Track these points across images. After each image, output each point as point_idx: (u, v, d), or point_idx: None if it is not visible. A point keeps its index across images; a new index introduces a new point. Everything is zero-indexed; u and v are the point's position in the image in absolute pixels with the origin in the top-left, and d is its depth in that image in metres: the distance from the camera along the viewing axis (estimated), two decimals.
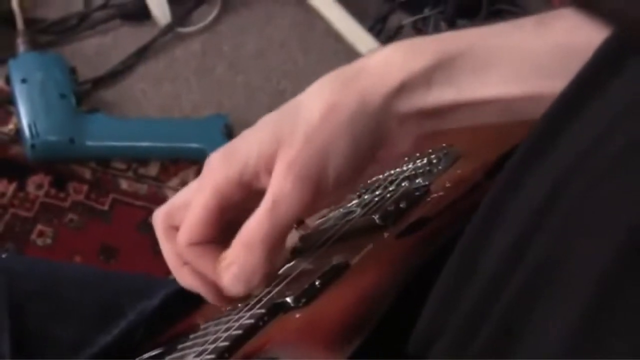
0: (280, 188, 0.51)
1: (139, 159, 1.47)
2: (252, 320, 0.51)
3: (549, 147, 0.40)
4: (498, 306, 0.39)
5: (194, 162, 1.46)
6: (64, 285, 0.69)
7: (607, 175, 0.37)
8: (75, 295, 0.69)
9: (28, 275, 0.70)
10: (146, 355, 0.61)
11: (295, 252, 0.60)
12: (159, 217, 0.58)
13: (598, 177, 0.37)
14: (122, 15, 1.60)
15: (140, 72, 1.57)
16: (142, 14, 1.61)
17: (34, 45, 1.50)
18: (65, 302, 0.68)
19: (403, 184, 0.61)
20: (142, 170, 1.46)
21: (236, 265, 0.53)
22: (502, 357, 0.38)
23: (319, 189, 0.51)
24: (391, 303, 0.46)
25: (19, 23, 1.51)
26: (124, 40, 1.59)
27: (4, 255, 0.87)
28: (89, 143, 1.42)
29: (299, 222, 0.62)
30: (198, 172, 0.57)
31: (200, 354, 0.51)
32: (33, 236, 1.36)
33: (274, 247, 0.52)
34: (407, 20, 1.66)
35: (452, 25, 1.59)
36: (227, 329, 0.52)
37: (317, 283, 0.50)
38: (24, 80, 1.42)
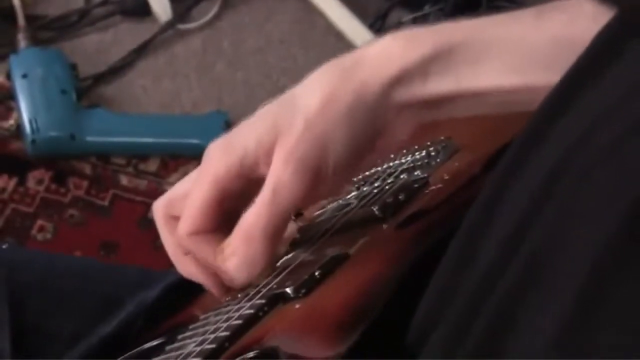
0: (279, 177, 0.51)
1: (139, 154, 1.47)
2: (252, 311, 0.51)
3: (547, 135, 0.40)
4: (493, 297, 0.39)
5: (194, 158, 1.47)
6: (64, 277, 0.69)
7: (607, 157, 0.36)
8: (75, 287, 0.69)
9: (28, 267, 0.70)
10: (146, 346, 0.61)
11: (294, 244, 0.60)
12: (159, 208, 0.58)
13: (595, 161, 0.37)
14: (122, 11, 1.60)
15: (141, 68, 1.57)
16: (143, 11, 1.61)
17: (35, 41, 1.50)
18: (65, 294, 0.68)
19: (402, 176, 0.61)
20: (142, 166, 1.46)
21: (237, 256, 0.53)
22: (496, 349, 0.38)
23: (318, 178, 0.52)
24: (390, 294, 0.46)
25: (20, 19, 1.51)
26: (124, 36, 1.59)
27: (4, 246, 0.87)
28: (90, 139, 1.42)
29: (298, 214, 0.63)
30: None
31: (200, 343, 0.51)
32: (33, 231, 1.36)
33: (274, 235, 0.52)
34: (407, 17, 1.66)
35: None
36: (227, 319, 0.52)
37: (316, 274, 0.51)
38: (24, 76, 1.42)
